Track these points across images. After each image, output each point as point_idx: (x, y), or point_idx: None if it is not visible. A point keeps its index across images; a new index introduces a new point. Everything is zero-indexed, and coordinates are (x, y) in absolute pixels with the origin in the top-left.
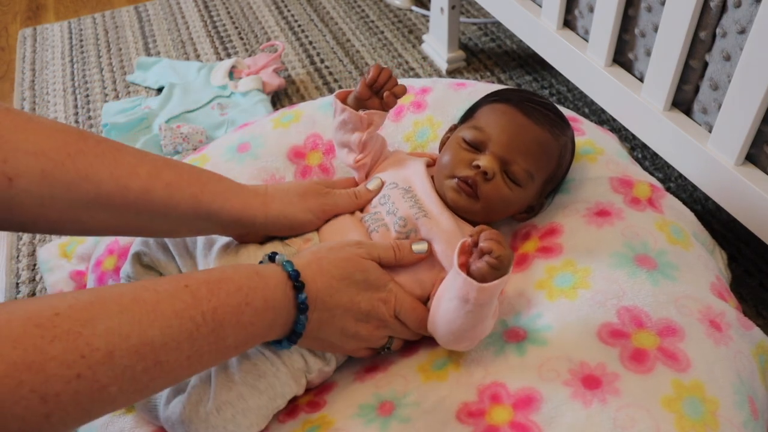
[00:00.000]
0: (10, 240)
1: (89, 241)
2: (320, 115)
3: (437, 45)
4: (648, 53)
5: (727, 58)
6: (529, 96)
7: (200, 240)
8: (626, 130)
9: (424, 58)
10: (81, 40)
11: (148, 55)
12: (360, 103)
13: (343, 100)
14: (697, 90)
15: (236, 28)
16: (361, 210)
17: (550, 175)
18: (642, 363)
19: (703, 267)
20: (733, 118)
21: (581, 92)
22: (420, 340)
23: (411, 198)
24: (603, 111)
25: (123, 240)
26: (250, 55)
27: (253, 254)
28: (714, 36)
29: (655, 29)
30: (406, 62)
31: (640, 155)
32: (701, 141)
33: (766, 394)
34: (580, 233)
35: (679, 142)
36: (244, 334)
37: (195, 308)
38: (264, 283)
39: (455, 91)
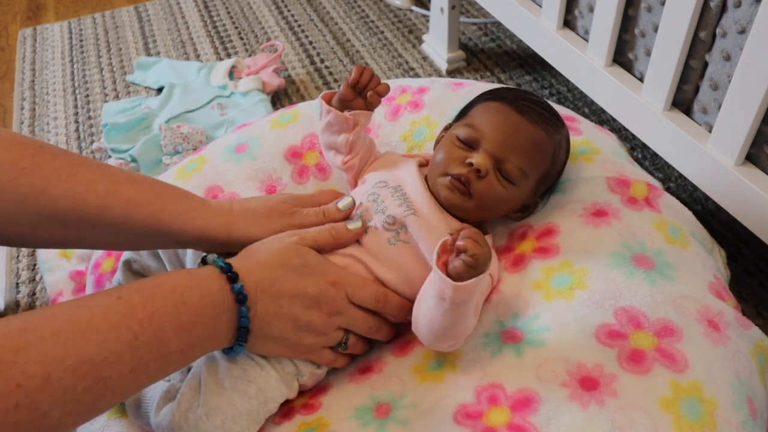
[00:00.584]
0: None
1: None
2: (317, 115)
3: (437, 45)
4: (648, 53)
5: (727, 58)
6: (524, 94)
7: None
8: (626, 130)
9: (424, 58)
10: (81, 40)
11: (148, 55)
12: (345, 104)
13: (329, 102)
14: (697, 90)
15: (236, 28)
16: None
17: (544, 173)
18: (640, 364)
19: (701, 266)
20: (733, 118)
21: (581, 92)
22: (414, 340)
23: (400, 197)
24: (603, 111)
25: None
26: (250, 55)
27: None
28: (714, 36)
29: (655, 29)
30: (406, 62)
31: (640, 155)
32: (701, 141)
33: (765, 394)
34: (577, 233)
35: (679, 142)
36: (188, 337)
37: (130, 317)
38: (198, 281)
39: (453, 90)
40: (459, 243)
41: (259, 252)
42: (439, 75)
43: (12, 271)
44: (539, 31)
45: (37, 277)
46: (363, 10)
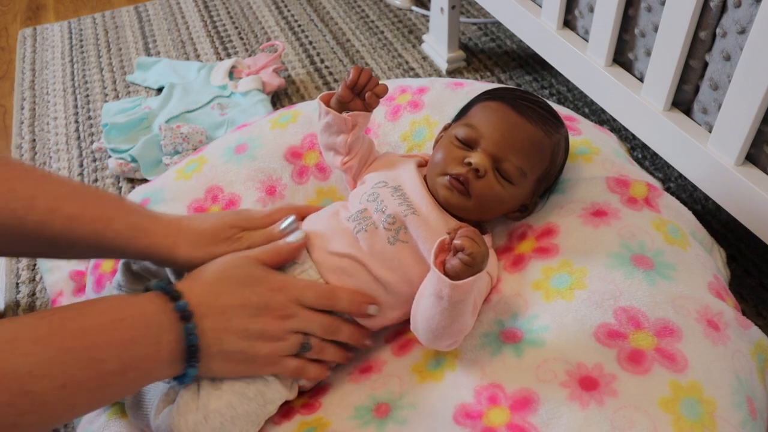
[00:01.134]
0: None
1: None
2: (317, 116)
3: (437, 45)
4: (648, 53)
5: (727, 58)
6: (523, 94)
7: None
8: (626, 129)
9: (424, 58)
10: (81, 40)
11: (148, 55)
12: (343, 105)
13: (328, 103)
14: (697, 90)
15: (236, 28)
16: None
17: (543, 173)
18: (639, 364)
19: (700, 266)
20: (733, 118)
21: (581, 92)
22: (413, 339)
23: (400, 196)
24: (603, 111)
25: None
26: (250, 55)
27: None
28: (714, 36)
29: (655, 29)
30: (406, 62)
31: (639, 155)
32: (701, 141)
33: (765, 394)
34: (577, 233)
35: (679, 142)
36: (126, 356)
37: (61, 331)
38: (139, 300)
39: (452, 90)
40: (456, 242)
41: (202, 272)
42: (439, 75)
43: (12, 271)
44: (539, 31)
45: (37, 277)
46: (363, 10)
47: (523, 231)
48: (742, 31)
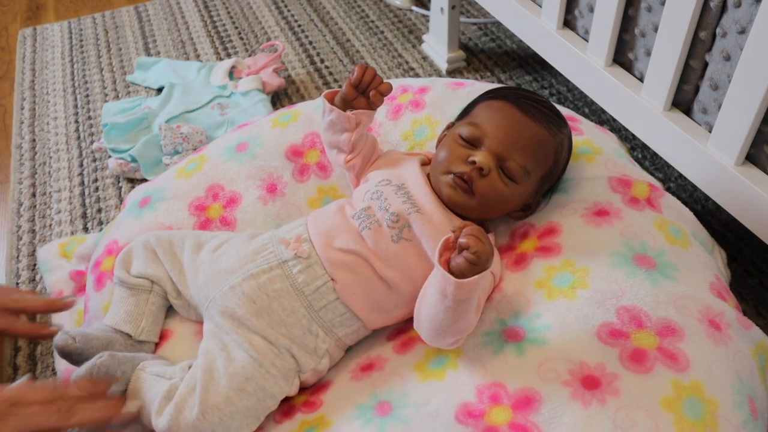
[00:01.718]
0: (10, 240)
1: (89, 241)
2: (318, 115)
3: (437, 45)
4: (648, 53)
5: (727, 58)
6: (526, 93)
7: (188, 243)
8: (626, 130)
9: (424, 58)
10: (81, 40)
11: (148, 55)
12: (347, 104)
13: (332, 101)
14: (697, 90)
15: (236, 28)
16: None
17: (546, 172)
18: (641, 363)
19: (702, 266)
20: (733, 118)
21: (581, 92)
22: (416, 337)
23: (404, 194)
24: (603, 111)
25: (122, 240)
26: (250, 55)
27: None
28: (714, 36)
29: (655, 29)
30: (406, 62)
31: (640, 155)
32: (701, 141)
33: (766, 394)
34: (579, 233)
35: (679, 142)
36: None
37: None
38: None
39: (454, 90)
40: (461, 240)
41: None
42: (439, 75)
43: (12, 271)
44: (539, 31)
45: (37, 277)
46: (363, 10)
47: (525, 230)
48: (742, 31)
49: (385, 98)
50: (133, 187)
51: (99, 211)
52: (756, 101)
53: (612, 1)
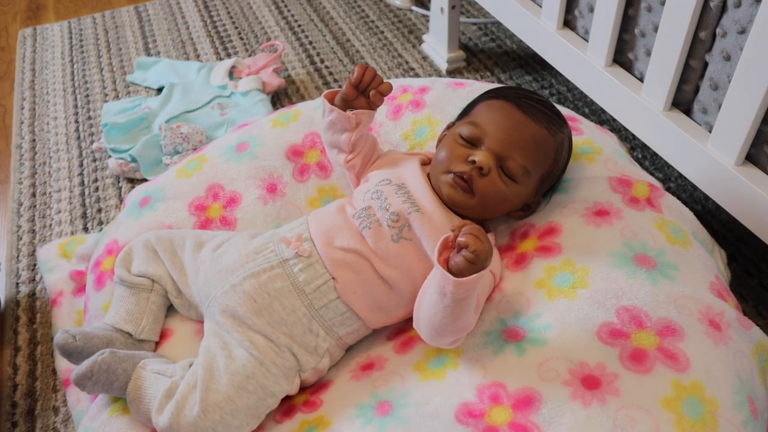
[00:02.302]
0: (10, 240)
1: (89, 241)
2: (318, 115)
3: (437, 45)
4: (648, 53)
5: (727, 58)
6: (526, 93)
7: (188, 242)
8: (626, 130)
9: (424, 58)
10: (81, 40)
11: (148, 55)
12: (347, 104)
13: (332, 101)
14: (697, 90)
15: (236, 28)
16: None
17: (546, 171)
18: (642, 363)
19: (702, 266)
20: (733, 118)
21: (581, 92)
22: (415, 337)
23: (404, 194)
24: (603, 111)
25: (122, 240)
26: (250, 55)
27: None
28: (714, 36)
29: (655, 29)
30: (406, 62)
31: (640, 155)
32: (701, 141)
33: (766, 394)
34: (579, 233)
35: (679, 142)
36: None
37: None
38: None
39: (454, 90)
40: (460, 239)
41: None
42: (439, 75)
43: (12, 271)
44: (539, 31)
45: (37, 277)
46: (363, 10)
47: (525, 230)
48: (742, 31)
49: (385, 98)
50: (133, 187)
51: (99, 211)
52: (756, 101)
53: (612, 1)
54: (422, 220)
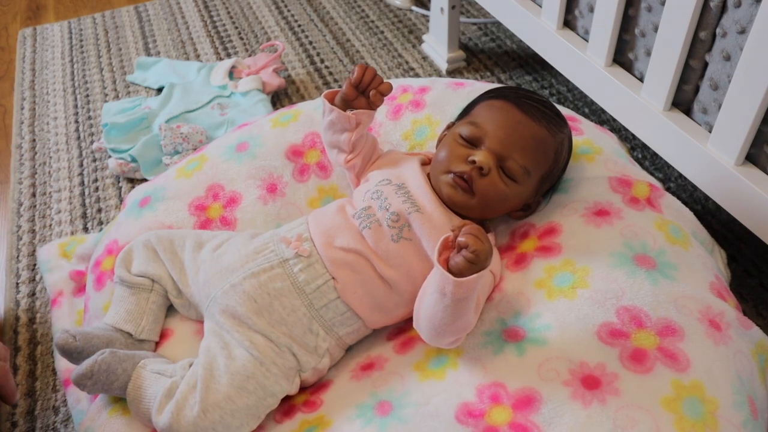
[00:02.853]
0: (10, 240)
1: (89, 241)
2: (318, 115)
3: (437, 45)
4: (648, 53)
5: (727, 58)
6: (527, 93)
7: (188, 242)
8: (626, 130)
9: (424, 58)
10: (81, 40)
11: (148, 55)
12: (347, 104)
13: (332, 101)
14: (697, 90)
15: (236, 28)
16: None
17: (546, 171)
18: (642, 363)
19: (702, 266)
20: (733, 118)
21: (581, 92)
22: (415, 337)
23: (404, 194)
24: (603, 111)
25: (122, 240)
26: (250, 55)
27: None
28: (714, 36)
29: (655, 29)
30: (406, 62)
31: (640, 155)
32: (701, 141)
33: (766, 394)
34: (579, 233)
35: (679, 142)
36: None
37: None
38: None
39: (454, 90)
40: (460, 239)
41: None
42: (439, 75)
43: (12, 271)
44: (539, 31)
45: (37, 277)
46: (363, 10)
47: (525, 230)
48: (742, 31)
49: (385, 98)
50: (133, 187)
51: (99, 211)
52: (756, 101)
53: (612, 1)
54: (422, 220)
